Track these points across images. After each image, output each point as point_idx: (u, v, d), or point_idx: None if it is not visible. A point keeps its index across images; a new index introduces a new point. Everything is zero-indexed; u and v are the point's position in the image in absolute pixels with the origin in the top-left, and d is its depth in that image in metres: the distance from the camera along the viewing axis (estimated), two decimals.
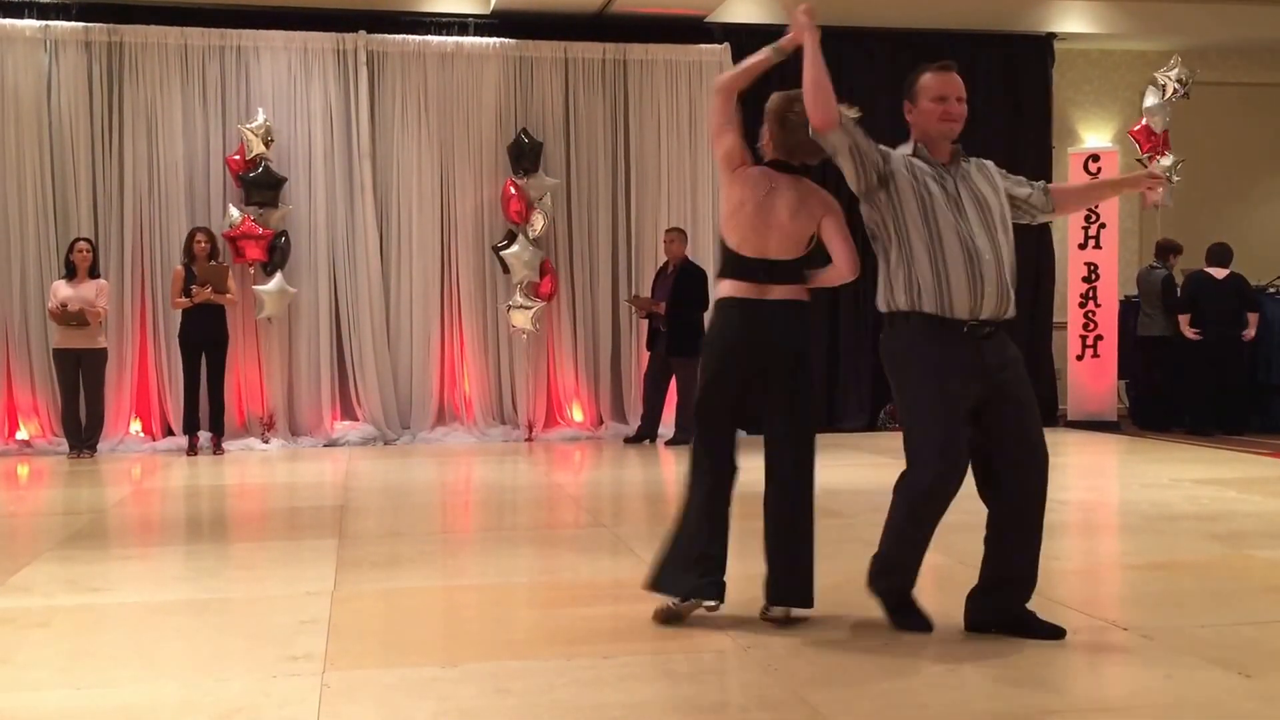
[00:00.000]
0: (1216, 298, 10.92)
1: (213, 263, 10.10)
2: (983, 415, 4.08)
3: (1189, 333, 10.97)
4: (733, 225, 4.30)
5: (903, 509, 4.18)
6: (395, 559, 5.56)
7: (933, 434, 4.04)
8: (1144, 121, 11.97)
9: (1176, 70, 11.82)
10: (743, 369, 4.29)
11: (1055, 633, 4.06)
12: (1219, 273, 11.01)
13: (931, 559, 5.26)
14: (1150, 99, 11.92)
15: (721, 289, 4.35)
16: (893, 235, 4.11)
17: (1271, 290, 11.56)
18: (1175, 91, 11.79)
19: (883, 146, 4.19)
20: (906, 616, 4.22)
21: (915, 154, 4.19)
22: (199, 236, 10.14)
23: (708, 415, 4.34)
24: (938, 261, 4.02)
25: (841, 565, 5.27)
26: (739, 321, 4.27)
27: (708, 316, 11.64)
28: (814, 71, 4.03)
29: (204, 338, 10.11)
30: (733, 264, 4.31)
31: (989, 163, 4.40)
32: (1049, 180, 12.30)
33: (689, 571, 4.24)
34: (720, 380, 4.31)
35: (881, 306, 4.20)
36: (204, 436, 10.26)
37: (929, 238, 4.04)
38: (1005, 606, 4.12)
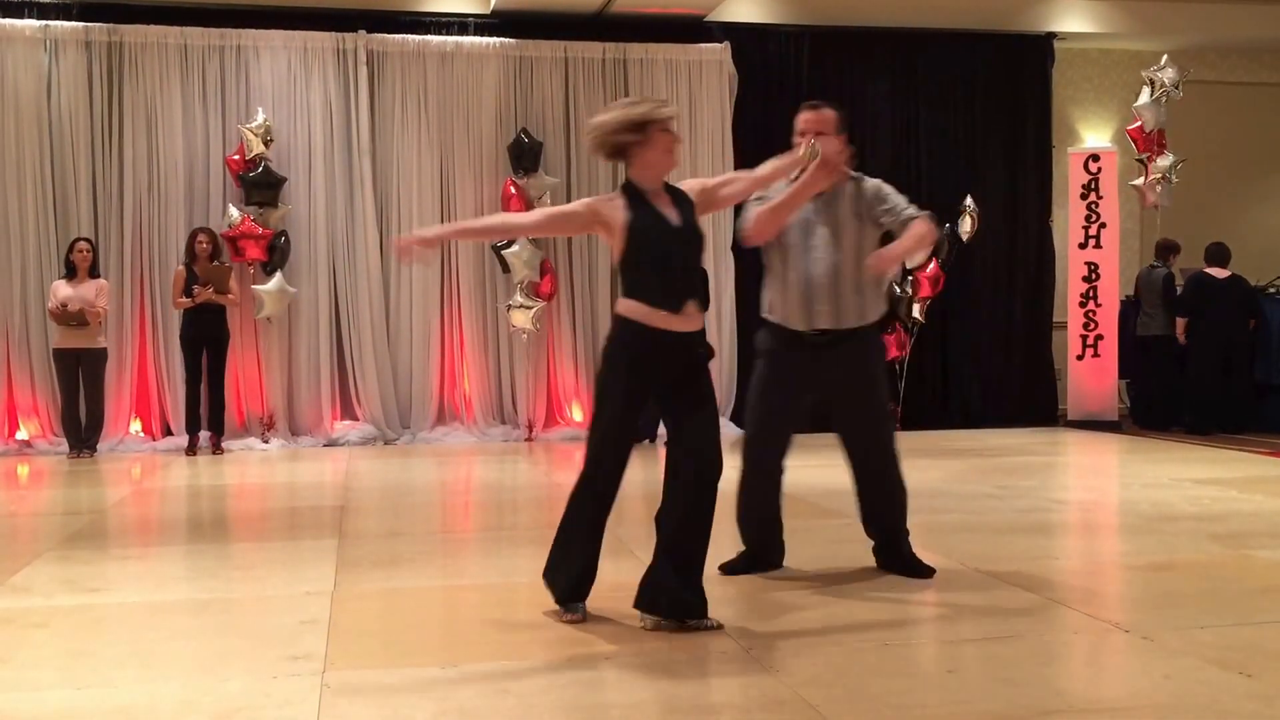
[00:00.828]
0: (1217, 299, 10.91)
1: (214, 263, 10.10)
2: (831, 411, 4.94)
3: (1181, 336, 10.98)
4: None
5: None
6: (395, 559, 5.56)
7: (756, 413, 4.93)
8: (1139, 121, 11.96)
9: (1167, 70, 11.79)
10: None
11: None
12: (1220, 273, 11.00)
13: (930, 559, 5.27)
14: (1143, 98, 11.92)
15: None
16: (767, 259, 4.91)
17: (1271, 290, 11.55)
18: (1166, 90, 11.76)
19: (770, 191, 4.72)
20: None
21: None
22: (200, 237, 10.13)
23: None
24: (787, 284, 4.80)
25: (841, 565, 5.27)
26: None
27: (709, 317, 11.54)
28: (794, 204, 4.58)
29: (205, 337, 10.10)
30: None
31: (871, 186, 4.86)
32: (1049, 182, 12.43)
33: None
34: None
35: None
36: (204, 436, 10.26)
37: (782, 263, 4.81)
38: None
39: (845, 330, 4.77)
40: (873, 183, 4.87)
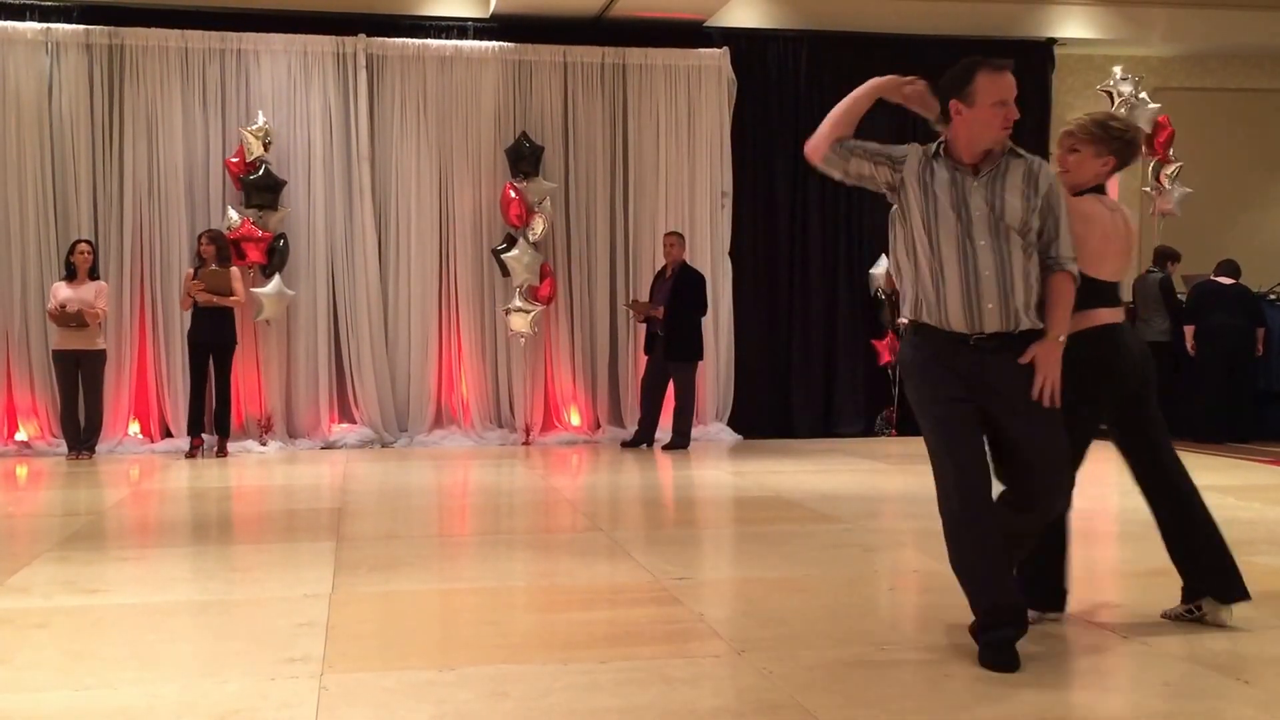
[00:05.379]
0: (1221, 304, 10.89)
1: (213, 267, 10.06)
2: (991, 427, 3.94)
3: (1190, 346, 10.96)
4: (1100, 254, 4.18)
5: (944, 525, 4.00)
6: (393, 562, 5.56)
7: (938, 444, 3.96)
8: None
9: (1122, 83, 11.74)
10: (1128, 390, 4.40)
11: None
12: (1226, 280, 11.00)
13: (928, 564, 5.27)
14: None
15: (1102, 316, 4.16)
16: (902, 247, 3.98)
17: (1272, 297, 11.56)
18: (1127, 100, 11.70)
19: (895, 152, 3.97)
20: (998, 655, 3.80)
21: (937, 154, 3.93)
22: (200, 239, 10.13)
23: (1086, 435, 4.43)
24: (937, 277, 3.87)
25: (839, 570, 5.27)
26: (1126, 346, 4.27)
27: (706, 321, 11.24)
28: (845, 105, 4.03)
29: (209, 340, 10.07)
30: (1106, 291, 4.22)
31: (1045, 180, 3.96)
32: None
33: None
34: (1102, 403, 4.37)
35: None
36: (205, 439, 10.24)
37: (930, 251, 3.88)
38: None
39: (1017, 334, 3.88)
40: (1049, 176, 3.98)
